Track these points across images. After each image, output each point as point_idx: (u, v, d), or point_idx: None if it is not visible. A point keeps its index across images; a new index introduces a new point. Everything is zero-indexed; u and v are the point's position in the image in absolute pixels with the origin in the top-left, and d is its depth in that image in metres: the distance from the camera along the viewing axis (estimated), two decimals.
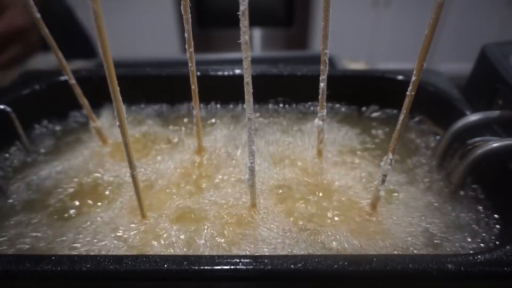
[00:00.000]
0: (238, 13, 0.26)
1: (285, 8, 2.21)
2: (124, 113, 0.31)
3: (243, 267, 0.28)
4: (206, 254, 0.35)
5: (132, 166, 0.34)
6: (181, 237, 0.37)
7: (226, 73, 0.56)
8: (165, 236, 0.37)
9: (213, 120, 0.56)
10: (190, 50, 0.39)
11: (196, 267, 0.28)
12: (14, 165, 0.48)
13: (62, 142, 0.53)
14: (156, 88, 0.58)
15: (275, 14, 2.25)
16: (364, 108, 0.58)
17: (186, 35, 0.38)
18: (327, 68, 0.40)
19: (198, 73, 0.55)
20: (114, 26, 2.07)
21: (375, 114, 0.57)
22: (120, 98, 0.29)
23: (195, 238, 0.37)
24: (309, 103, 0.58)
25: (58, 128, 0.55)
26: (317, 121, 0.44)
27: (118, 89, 0.29)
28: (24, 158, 0.49)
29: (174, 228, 0.38)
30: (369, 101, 0.58)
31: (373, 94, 0.57)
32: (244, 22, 0.27)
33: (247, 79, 0.29)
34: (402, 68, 0.58)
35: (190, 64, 0.40)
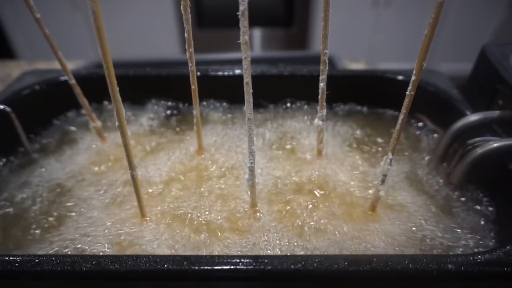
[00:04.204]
0: (237, 13, 0.26)
1: (285, 8, 2.21)
2: (124, 113, 0.31)
3: (243, 267, 0.28)
4: (206, 254, 0.35)
5: (131, 166, 0.34)
6: (181, 237, 0.37)
7: (226, 73, 0.56)
8: (165, 235, 0.37)
9: (213, 120, 0.56)
10: (190, 50, 0.39)
11: (196, 267, 0.28)
12: (14, 165, 0.48)
13: (62, 142, 0.53)
14: (156, 88, 0.58)
15: (275, 14, 2.24)
16: (364, 108, 0.58)
17: (186, 35, 0.38)
18: (327, 68, 0.40)
19: (198, 73, 0.55)
20: (114, 27, 2.07)
21: (375, 114, 0.57)
22: (120, 99, 0.29)
23: (195, 238, 0.37)
24: (309, 103, 0.58)
25: (58, 128, 0.55)
26: (317, 121, 0.44)
27: (117, 89, 0.29)
28: (24, 158, 0.49)
29: (174, 227, 0.38)
30: (369, 101, 0.58)
31: (373, 94, 0.57)
32: (243, 22, 0.27)
33: (247, 79, 0.29)
34: (402, 68, 0.58)
35: (190, 64, 0.40)
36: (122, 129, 0.31)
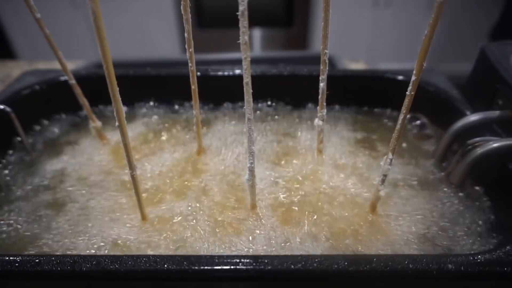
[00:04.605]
0: (237, 13, 0.26)
1: (285, 8, 2.21)
2: (124, 113, 0.31)
3: (243, 267, 0.28)
4: (206, 254, 0.35)
5: (131, 167, 0.34)
6: (180, 237, 0.37)
7: (226, 73, 0.56)
8: (165, 236, 0.37)
9: (213, 120, 0.56)
10: (190, 50, 0.39)
11: (196, 267, 0.28)
12: (13, 165, 0.48)
13: (61, 142, 0.52)
14: (156, 88, 0.58)
15: (275, 14, 2.24)
16: (364, 108, 0.58)
17: (186, 35, 0.38)
18: (327, 68, 0.40)
19: (198, 73, 0.55)
20: (114, 27, 2.07)
21: (375, 114, 0.57)
22: (120, 99, 0.29)
23: (195, 238, 0.37)
24: (309, 103, 0.58)
25: (58, 128, 0.55)
26: (317, 121, 0.44)
27: (117, 89, 0.29)
28: (23, 158, 0.49)
29: (174, 228, 0.38)
30: (369, 101, 0.58)
31: (373, 94, 0.57)
32: (243, 22, 0.27)
33: (247, 79, 0.29)
34: (402, 68, 0.58)
35: (190, 64, 0.40)
36: (122, 129, 0.31)
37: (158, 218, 0.39)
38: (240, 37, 0.27)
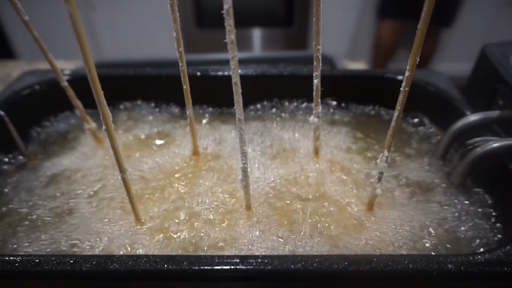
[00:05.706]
0: (222, 11, 0.26)
1: (285, 8, 2.21)
2: (110, 117, 0.30)
3: (243, 267, 0.28)
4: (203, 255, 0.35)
5: (121, 170, 0.34)
6: (175, 239, 0.37)
7: (226, 73, 0.56)
8: (160, 238, 0.37)
9: (212, 121, 0.56)
10: (180, 49, 0.39)
11: (196, 267, 0.28)
12: (9, 168, 0.48)
13: (57, 144, 0.52)
14: (155, 88, 0.58)
15: (275, 14, 2.24)
16: (364, 108, 0.58)
17: (174, 34, 0.38)
18: (320, 64, 0.40)
19: (198, 73, 0.55)
20: (114, 27, 2.07)
21: (375, 114, 0.57)
22: (105, 102, 0.29)
23: (190, 239, 0.36)
24: (309, 102, 0.58)
25: (56, 129, 0.55)
26: (312, 118, 0.44)
27: (102, 93, 0.29)
28: (19, 161, 0.49)
29: (169, 229, 0.38)
30: (369, 101, 0.58)
31: (373, 94, 0.57)
32: (229, 21, 0.26)
33: (235, 79, 0.29)
34: (402, 68, 0.58)
35: (180, 64, 0.40)
36: (110, 133, 0.31)
37: (152, 220, 0.39)
38: (227, 36, 0.27)
